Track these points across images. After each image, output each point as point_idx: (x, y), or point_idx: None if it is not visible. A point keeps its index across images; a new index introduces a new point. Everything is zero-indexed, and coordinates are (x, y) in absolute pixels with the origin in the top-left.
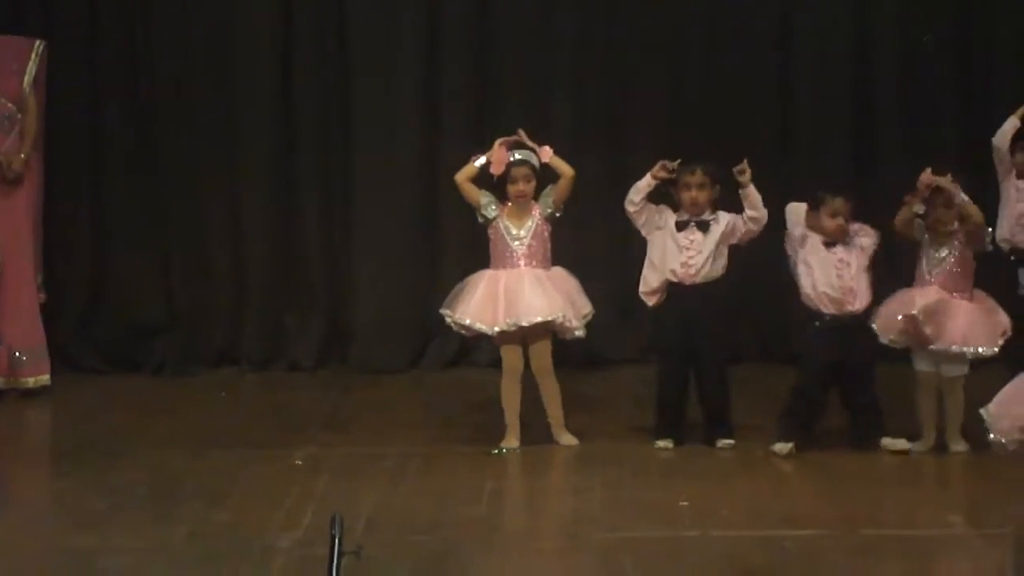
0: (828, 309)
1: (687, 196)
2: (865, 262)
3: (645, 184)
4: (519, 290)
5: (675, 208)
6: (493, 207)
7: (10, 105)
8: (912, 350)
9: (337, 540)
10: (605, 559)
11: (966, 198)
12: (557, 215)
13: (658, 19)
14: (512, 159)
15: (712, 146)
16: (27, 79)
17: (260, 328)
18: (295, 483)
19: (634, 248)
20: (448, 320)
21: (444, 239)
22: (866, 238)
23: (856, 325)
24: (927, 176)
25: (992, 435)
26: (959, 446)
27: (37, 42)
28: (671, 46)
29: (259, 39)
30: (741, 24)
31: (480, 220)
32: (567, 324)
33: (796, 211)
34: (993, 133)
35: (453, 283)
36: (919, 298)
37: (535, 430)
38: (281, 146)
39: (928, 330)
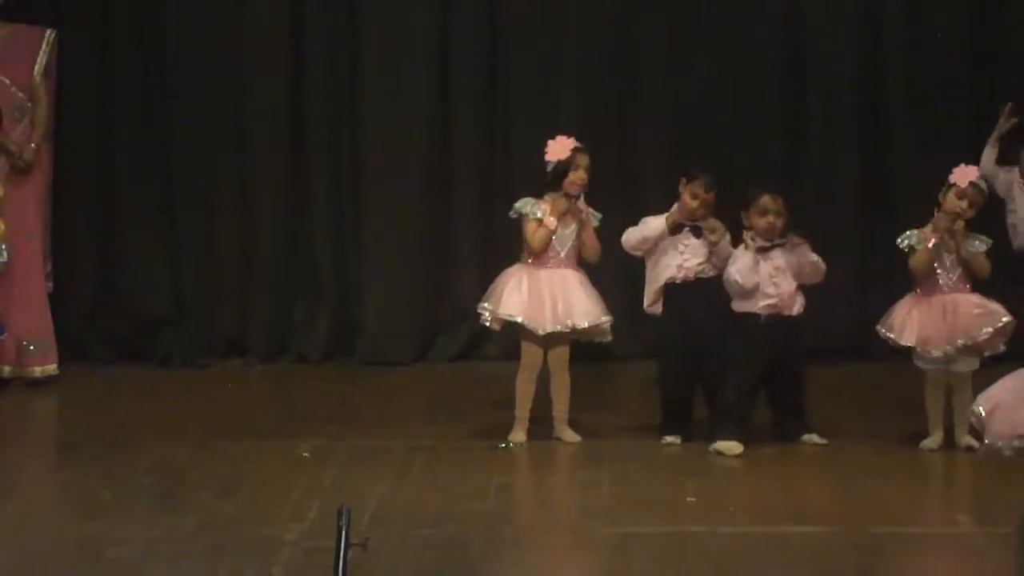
0: (766, 311)
1: (692, 203)
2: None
3: (658, 233)
4: (567, 292)
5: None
6: (535, 208)
7: (21, 94)
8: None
9: (344, 532)
10: (611, 554)
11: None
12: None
13: (668, 19)
14: (576, 145)
15: (721, 148)
16: (38, 68)
17: (268, 320)
18: (302, 475)
19: None
20: (486, 316)
21: (452, 232)
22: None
23: (791, 324)
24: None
25: (987, 439)
26: (970, 442)
27: (48, 31)
28: (680, 46)
29: (271, 30)
30: (750, 23)
31: (514, 216)
32: (607, 328)
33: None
34: (1006, 142)
35: (461, 276)
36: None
37: (544, 426)
38: (290, 137)
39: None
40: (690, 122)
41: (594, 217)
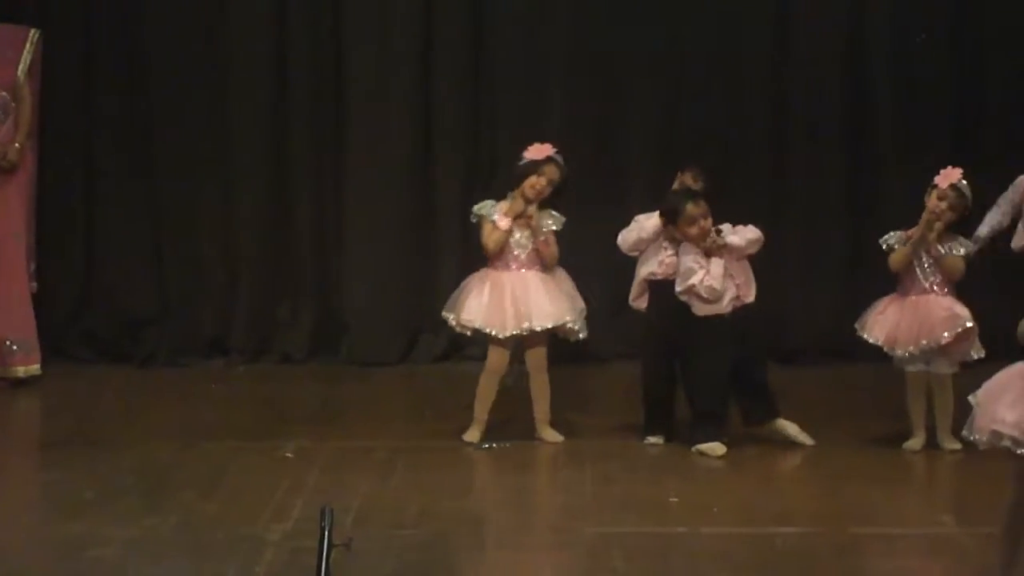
0: (730, 307)
1: None
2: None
3: (654, 231)
4: (527, 295)
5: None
6: (493, 210)
7: (4, 94)
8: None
9: (326, 532)
10: (594, 554)
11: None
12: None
13: (653, 24)
14: (552, 154)
15: (708, 152)
16: (22, 68)
17: (251, 319)
18: (285, 475)
19: None
20: (451, 323)
21: (436, 232)
22: (749, 234)
23: (748, 310)
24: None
25: (964, 429)
26: (951, 444)
27: (32, 31)
28: (668, 49)
29: (254, 28)
30: (737, 28)
31: (474, 220)
32: (573, 327)
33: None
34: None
35: (445, 276)
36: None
37: (525, 425)
38: (274, 137)
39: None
40: (676, 124)
41: (557, 221)
